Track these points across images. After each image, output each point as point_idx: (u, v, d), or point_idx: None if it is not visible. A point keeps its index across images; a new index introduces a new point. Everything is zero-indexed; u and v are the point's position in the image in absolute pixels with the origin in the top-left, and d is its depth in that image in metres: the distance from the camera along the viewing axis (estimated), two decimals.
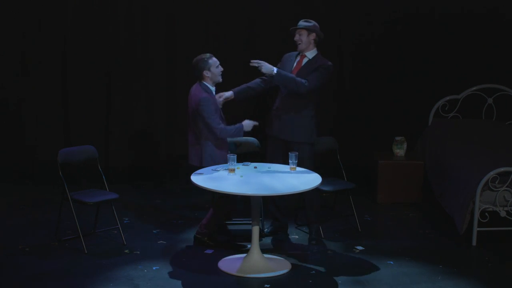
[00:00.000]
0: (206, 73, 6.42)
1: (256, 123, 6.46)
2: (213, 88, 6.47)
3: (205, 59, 6.42)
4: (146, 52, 8.67)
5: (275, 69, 6.42)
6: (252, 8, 8.67)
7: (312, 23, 6.57)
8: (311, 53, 6.62)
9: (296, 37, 6.59)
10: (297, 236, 6.88)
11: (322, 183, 6.08)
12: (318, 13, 8.59)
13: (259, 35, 8.70)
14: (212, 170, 6.22)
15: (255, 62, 6.37)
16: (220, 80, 6.49)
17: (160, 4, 8.59)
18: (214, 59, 6.45)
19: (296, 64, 6.61)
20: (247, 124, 6.44)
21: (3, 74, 8.52)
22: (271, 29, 8.67)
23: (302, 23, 6.59)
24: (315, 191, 6.46)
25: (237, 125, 6.43)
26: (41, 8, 8.46)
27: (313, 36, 6.57)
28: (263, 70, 6.40)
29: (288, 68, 6.60)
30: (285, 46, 8.62)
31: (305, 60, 6.60)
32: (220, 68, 6.47)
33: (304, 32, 6.55)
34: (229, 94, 6.61)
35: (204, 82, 6.44)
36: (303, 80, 6.44)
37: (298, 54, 6.66)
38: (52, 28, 8.50)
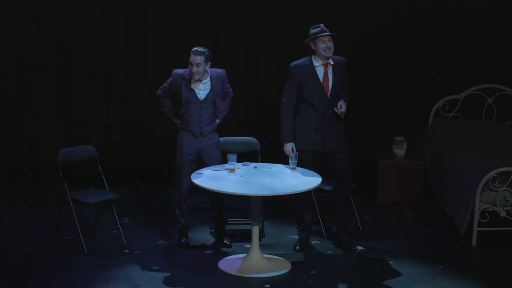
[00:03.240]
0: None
1: None
2: (195, 85, 6.38)
3: (193, 49, 6.31)
4: (146, 52, 8.66)
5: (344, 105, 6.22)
6: (252, 7, 8.66)
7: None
8: (330, 59, 6.29)
9: (328, 44, 6.13)
10: (297, 236, 6.87)
11: (322, 183, 6.08)
12: (317, 12, 8.58)
13: (259, 35, 8.69)
14: (212, 170, 6.23)
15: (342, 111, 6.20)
16: (191, 77, 6.33)
17: (160, 3, 8.58)
18: (193, 56, 6.25)
19: (324, 76, 6.26)
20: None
21: (3, 74, 8.51)
22: (271, 28, 8.66)
23: (324, 28, 6.17)
24: (348, 194, 6.54)
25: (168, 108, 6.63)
26: (41, 7, 8.45)
27: None
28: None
29: (315, 82, 6.22)
30: (284, 45, 8.66)
31: (329, 68, 6.27)
32: (193, 68, 6.26)
33: (332, 39, 6.15)
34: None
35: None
36: (345, 91, 6.38)
37: (311, 61, 6.24)
38: (52, 27, 8.49)
